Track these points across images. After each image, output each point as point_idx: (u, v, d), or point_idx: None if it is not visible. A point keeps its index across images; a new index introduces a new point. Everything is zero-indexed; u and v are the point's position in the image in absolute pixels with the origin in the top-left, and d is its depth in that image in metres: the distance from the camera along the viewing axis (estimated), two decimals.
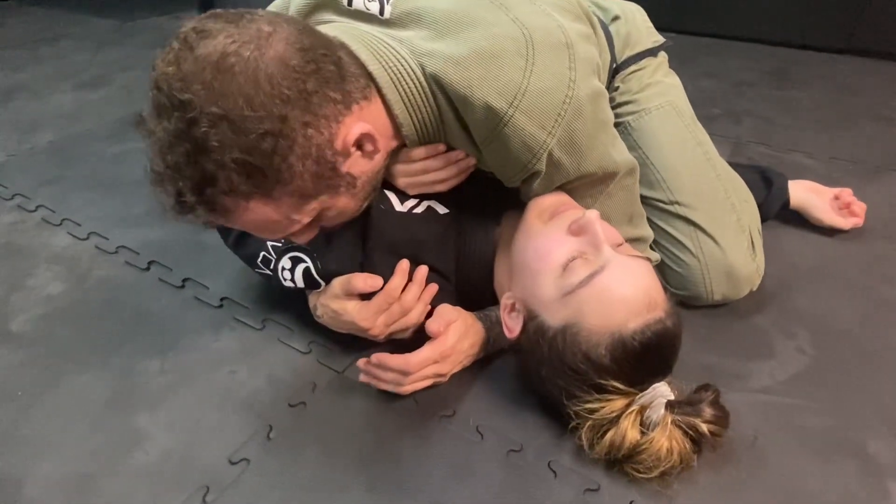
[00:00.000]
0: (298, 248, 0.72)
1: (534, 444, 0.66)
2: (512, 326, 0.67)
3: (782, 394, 0.73)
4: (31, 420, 0.71)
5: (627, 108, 0.90)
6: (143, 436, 0.69)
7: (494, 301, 0.74)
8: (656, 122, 0.88)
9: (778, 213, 1.03)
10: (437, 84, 0.61)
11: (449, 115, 0.63)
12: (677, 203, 0.83)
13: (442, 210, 0.74)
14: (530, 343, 0.65)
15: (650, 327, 0.58)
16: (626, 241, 0.71)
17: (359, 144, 0.60)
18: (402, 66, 0.62)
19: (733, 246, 0.82)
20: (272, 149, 0.52)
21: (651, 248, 0.84)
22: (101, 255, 1.02)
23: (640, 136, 0.88)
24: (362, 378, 0.70)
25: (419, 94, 0.63)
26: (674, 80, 0.95)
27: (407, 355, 0.67)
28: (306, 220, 0.61)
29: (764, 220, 0.92)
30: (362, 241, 0.70)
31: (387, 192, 0.72)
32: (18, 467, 0.66)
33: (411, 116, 0.64)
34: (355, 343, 0.77)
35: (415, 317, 0.72)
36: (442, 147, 0.69)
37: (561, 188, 0.70)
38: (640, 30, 0.94)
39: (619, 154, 0.72)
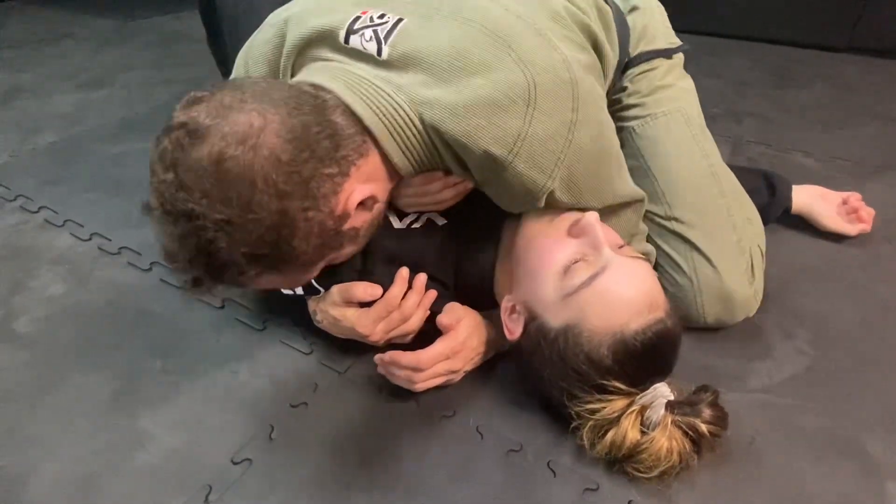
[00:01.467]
0: None
1: (533, 444, 0.67)
2: (513, 328, 0.68)
3: (781, 394, 0.73)
4: (35, 420, 0.72)
5: (634, 111, 0.87)
6: (145, 436, 0.69)
7: (493, 306, 0.75)
8: (662, 130, 0.85)
9: (779, 218, 1.02)
10: (436, 133, 0.61)
11: (448, 156, 0.64)
12: (675, 219, 0.81)
13: (440, 221, 0.75)
14: (531, 344, 0.65)
15: (651, 327, 0.59)
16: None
17: (361, 204, 0.61)
18: (399, 115, 0.61)
19: (730, 269, 0.79)
20: (276, 239, 0.54)
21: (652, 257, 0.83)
22: (104, 256, 1.02)
23: (643, 143, 0.85)
24: (379, 369, 0.71)
25: (417, 141, 0.62)
26: (686, 84, 0.91)
27: (418, 352, 0.68)
28: (314, 276, 0.65)
29: (764, 224, 0.91)
30: (362, 254, 0.71)
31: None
32: (23, 467, 0.66)
33: (410, 161, 0.64)
34: (356, 344, 0.78)
35: (414, 323, 0.72)
36: (440, 174, 0.68)
37: None
38: (657, 27, 0.91)
39: (623, 188, 0.72)
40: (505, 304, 0.69)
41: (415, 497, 0.62)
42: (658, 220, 0.82)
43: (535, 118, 0.59)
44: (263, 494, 0.63)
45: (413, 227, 0.74)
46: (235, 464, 0.65)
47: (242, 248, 0.53)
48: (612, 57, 0.84)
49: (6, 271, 0.99)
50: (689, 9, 2.16)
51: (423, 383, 0.69)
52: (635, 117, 0.87)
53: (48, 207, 1.17)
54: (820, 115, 1.52)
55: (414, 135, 0.62)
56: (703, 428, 0.59)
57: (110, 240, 1.06)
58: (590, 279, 0.60)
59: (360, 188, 0.60)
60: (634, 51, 0.89)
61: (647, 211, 0.82)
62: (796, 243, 1.01)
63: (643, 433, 0.60)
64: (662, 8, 0.95)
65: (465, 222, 0.75)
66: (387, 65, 0.63)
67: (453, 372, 0.70)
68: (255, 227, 0.53)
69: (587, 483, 0.63)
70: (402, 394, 0.73)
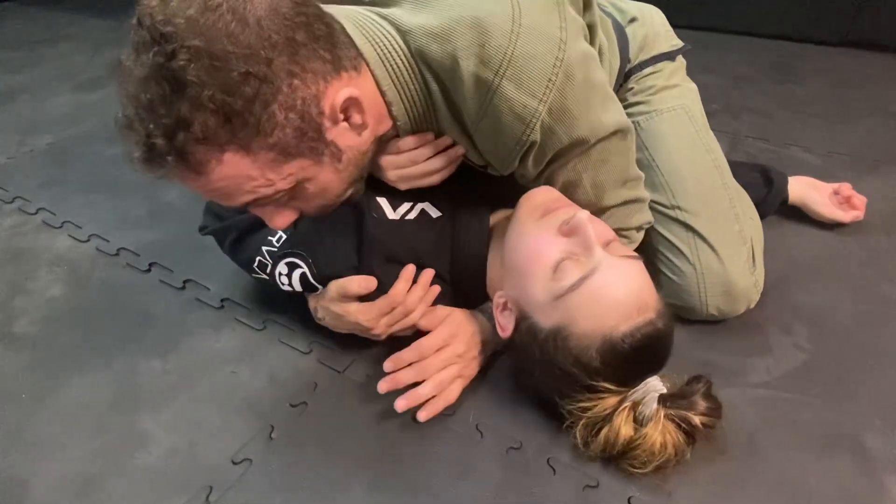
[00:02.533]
0: (293, 254, 0.72)
1: (533, 441, 0.67)
2: (505, 325, 0.68)
3: (780, 389, 0.73)
4: (36, 421, 0.72)
5: (639, 108, 0.88)
6: (146, 436, 0.69)
7: (488, 299, 0.75)
8: (667, 125, 0.86)
9: (777, 209, 1.03)
10: (423, 61, 0.60)
11: (438, 97, 0.62)
12: (678, 208, 0.81)
13: (435, 213, 0.74)
14: (522, 343, 0.65)
15: (640, 330, 0.59)
16: (622, 203, 0.72)
17: (346, 114, 0.58)
18: (389, 42, 0.60)
19: (732, 257, 0.79)
20: (254, 93, 0.49)
21: (650, 248, 0.83)
22: (102, 257, 1.02)
23: (648, 136, 0.86)
24: (387, 387, 0.68)
25: (407, 71, 0.61)
26: (690, 86, 0.93)
27: (417, 341, 0.68)
28: (283, 185, 0.56)
29: (762, 217, 0.92)
30: (357, 249, 0.71)
31: (378, 199, 0.72)
32: (24, 468, 0.66)
33: (400, 94, 0.62)
34: (356, 343, 0.78)
35: (416, 317, 0.73)
36: (430, 136, 0.68)
37: (554, 162, 0.67)
38: (658, 33, 0.92)
39: (612, 116, 0.67)
40: (497, 299, 0.69)
41: (415, 495, 0.62)
42: (661, 208, 0.83)
43: (520, 37, 0.56)
44: (264, 494, 0.63)
45: (407, 218, 0.73)
46: (236, 464, 0.66)
47: (213, 90, 0.47)
48: (614, 62, 0.85)
49: (5, 273, 1.00)
50: (686, 4, 2.15)
51: (436, 375, 0.68)
52: (641, 113, 0.88)
53: (46, 209, 1.17)
54: (818, 110, 1.52)
55: (404, 64, 0.60)
56: (697, 420, 0.59)
57: (108, 241, 1.06)
58: (579, 282, 0.60)
59: (350, 89, 0.56)
60: (636, 59, 0.90)
61: (651, 200, 0.82)
62: (794, 238, 1.01)
63: (636, 429, 0.60)
64: (660, 12, 0.96)
65: (459, 215, 0.74)
66: (374, 1, 0.64)
67: (460, 356, 0.70)
68: (235, 65, 0.47)
69: (587, 480, 0.63)
70: (401, 392, 0.73)
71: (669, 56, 0.92)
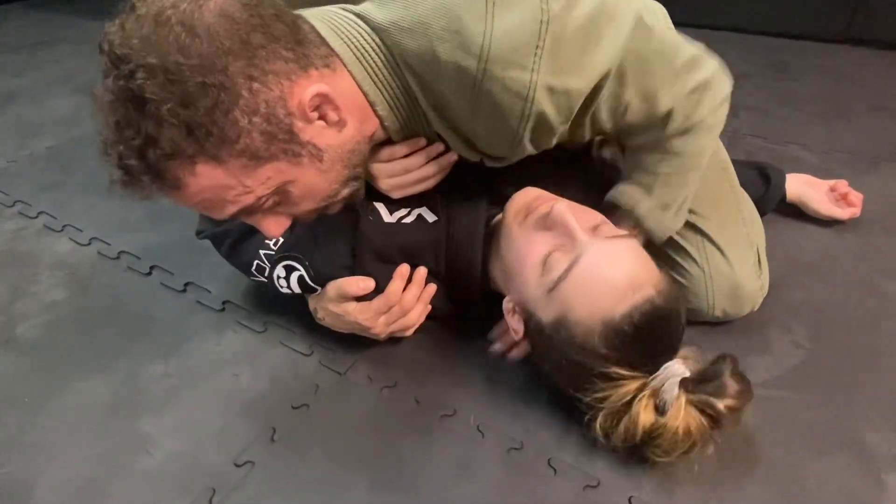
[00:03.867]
0: (291, 257, 0.73)
1: (534, 441, 0.67)
2: (517, 328, 0.68)
3: (780, 388, 0.74)
4: (39, 425, 0.72)
5: None
6: (148, 439, 0.70)
7: (484, 302, 0.76)
8: None
9: (775, 207, 1.03)
10: (402, 58, 0.58)
11: (420, 97, 0.60)
12: (689, 210, 0.80)
13: (431, 218, 0.75)
14: (534, 342, 0.66)
15: (638, 309, 0.58)
16: (685, 98, 0.64)
17: (320, 112, 0.56)
18: (365, 40, 0.58)
19: (740, 260, 0.79)
20: (213, 102, 0.49)
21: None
22: (103, 261, 1.03)
23: None
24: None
25: (387, 69, 0.59)
26: None
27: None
28: (263, 190, 0.56)
29: (761, 215, 0.92)
30: (352, 249, 0.71)
31: (375, 203, 0.73)
32: (28, 472, 0.67)
33: (382, 94, 0.60)
34: (356, 344, 0.78)
35: (414, 316, 0.74)
36: (423, 142, 0.68)
37: (587, 108, 0.61)
38: None
39: (616, 35, 0.58)
40: (505, 304, 0.70)
41: (417, 496, 0.63)
42: None
43: (496, 14, 0.53)
44: (266, 496, 0.63)
45: (403, 221, 0.74)
46: (238, 466, 0.66)
47: (172, 103, 0.47)
48: None
49: (7, 277, 1.00)
50: (685, 2, 2.15)
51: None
52: None
53: (47, 213, 1.17)
54: (817, 108, 1.52)
55: (382, 62, 0.59)
56: (721, 405, 0.57)
57: (109, 244, 1.06)
58: (566, 271, 0.60)
59: (319, 85, 0.54)
60: None
61: None
62: (793, 237, 1.01)
63: (657, 417, 0.59)
64: (664, 9, 0.95)
65: (455, 219, 0.75)
66: None
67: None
68: (189, 76, 0.47)
69: (588, 480, 0.63)
70: (402, 394, 0.74)
71: None
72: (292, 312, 0.85)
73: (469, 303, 0.77)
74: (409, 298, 0.72)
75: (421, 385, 0.75)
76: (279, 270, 0.74)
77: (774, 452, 0.66)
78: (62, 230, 1.11)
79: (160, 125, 0.48)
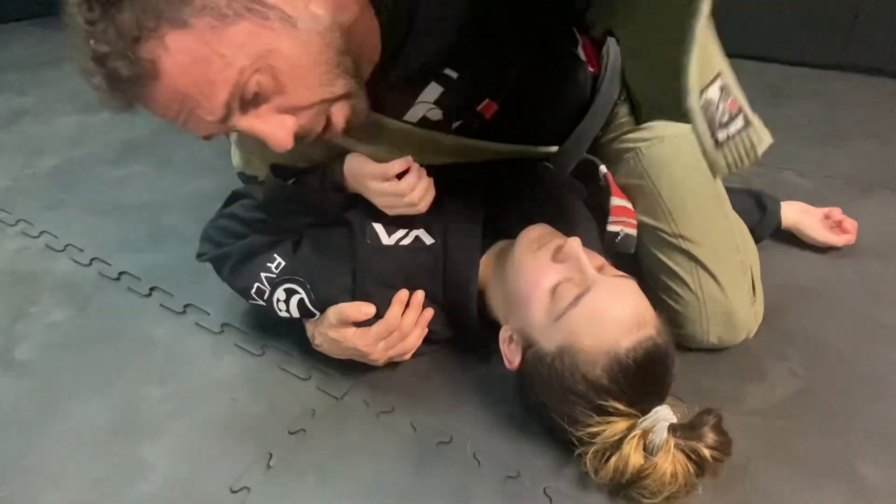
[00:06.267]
0: (292, 280, 0.74)
1: (530, 470, 0.67)
2: (511, 358, 0.69)
3: (775, 416, 0.74)
4: (37, 448, 0.73)
5: (641, 134, 0.88)
6: (145, 464, 0.70)
7: (482, 326, 0.77)
8: (669, 152, 0.85)
9: (771, 234, 1.04)
10: None
11: None
12: (681, 237, 0.81)
13: (429, 241, 0.76)
14: (530, 371, 0.67)
15: (642, 344, 0.60)
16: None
17: None
18: None
19: (734, 287, 0.80)
20: None
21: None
22: (104, 281, 1.03)
23: (650, 164, 0.85)
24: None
25: None
26: None
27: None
28: (242, 59, 0.53)
29: (756, 243, 0.93)
30: (352, 273, 0.73)
31: (374, 224, 0.75)
32: (25, 496, 0.67)
33: None
34: (353, 369, 0.79)
35: (412, 341, 0.75)
36: (415, 164, 0.71)
37: None
38: None
39: None
40: (502, 334, 0.71)
41: None
42: (664, 236, 0.83)
43: None
44: None
45: (401, 243, 0.75)
46: (234, 492, 0.66)
47: None
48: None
49: (8, 298, 1.00)
50: None
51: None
52: (643, 139, 0.87)
53: (49, 232, 1.18)
54: (811, 133, 1.54)
55: None
56: (707, 452, 0.59)
57: (110, 265, 1.07)
58: (576, 299, 0.62)
59: None
60: None
61: (653, 227, 0.83)
62: (787, 262, 1.02)
63: (646, 457, 0.60)
64: None
65: (451, 242, 0.76)
66: None
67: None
68: None
69: None
70: (399, 420, 0.74)
71: None
72: (290, 336, 0.86)
73: (466, 327, 0.77)
74: (407, 322, 0.73)
75: (418, 411, 0.75)
76: (279, 293, 0.75)
77: (769, 480, 0.66)
78: (64, 250, 1.12)
79: (121, 8, 0.49)
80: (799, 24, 2.01)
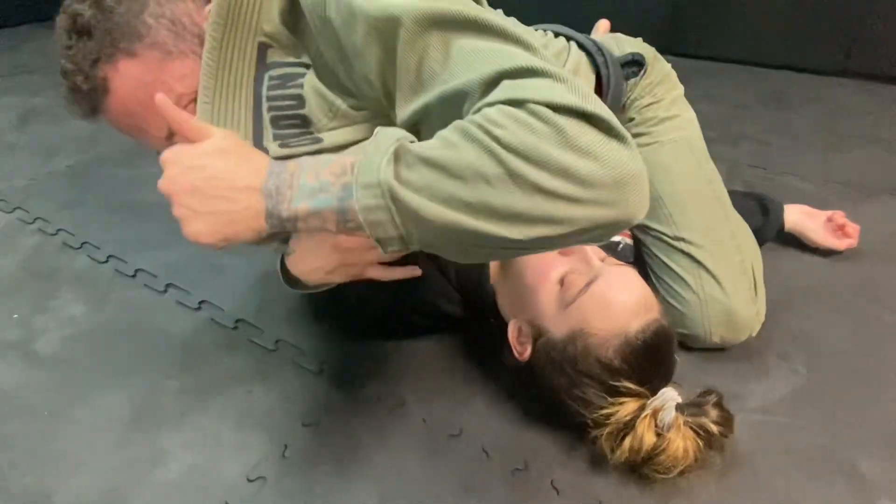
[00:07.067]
0: None
1: (538, 462, 0.69)
2: (522, 350, 0.72)
3: (777, 414, 0.76)
4: (58, 437, 0.75)
5: (641, 139, 0.90)
6: (164, 453, 0.72)
7: (498, 319, 0.79)
8: (669, 156, 0.88)
9: (774, 237, 1.06)
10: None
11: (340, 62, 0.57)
12: (683, 239, 0.84)
13: None
14: (542, 360, 0.69)
15: (650, 326, 0.65)
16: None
17: None
18: None
19: (735, 287, 0.82)
20: (126, 10, 0.60)
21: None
22: (121, 278, 1.06)
23: (651, 168, 0.82)
24: None
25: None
26: (690, 115, 0.94)
27: None
28: (181, 88, 0.62)
29: (760, 245, 0.95)
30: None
31: None
32: (48, 483, 0.69)
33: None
34: (365, 363, 0.82)
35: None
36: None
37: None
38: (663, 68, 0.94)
39: None
40: (512, 327, 0.73)
41: None
42: (666, 238, 0.85)
43: None
44: None
45: None
46: (251, 481, 0.68)
47: (95, 11, 0.59)
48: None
49: (27, 293, 1.03)
50: (686, 33, 2.22)
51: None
52: (642, 144, 0.89)
53: (66, 230, 1.20)
54: (814, 139, 1.56)
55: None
56: (713, 427, 0.63)
57: (126, 262, 1.10)
58: (586, 286, 0.67)
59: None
60: (635, 87, 0.92)
61: (654, 230, 0.86)
62: (790, 265, 1.04)
63: (659, 435, 0.63)
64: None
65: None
66: None
67: None
68: (110, 4, 0.59)
69: (589, 500, 0.65)
70: (410, 413, 0.76)
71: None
72: (303, 331, 0.88)
73: (486, 319, 0.80)
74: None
75: (428, 404, 0.77)
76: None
77: (772, 477, 0.68)
78: (81, 247, 1.15)
79: (90, 35, 0.59)
80: (801, 30, 2.03)
